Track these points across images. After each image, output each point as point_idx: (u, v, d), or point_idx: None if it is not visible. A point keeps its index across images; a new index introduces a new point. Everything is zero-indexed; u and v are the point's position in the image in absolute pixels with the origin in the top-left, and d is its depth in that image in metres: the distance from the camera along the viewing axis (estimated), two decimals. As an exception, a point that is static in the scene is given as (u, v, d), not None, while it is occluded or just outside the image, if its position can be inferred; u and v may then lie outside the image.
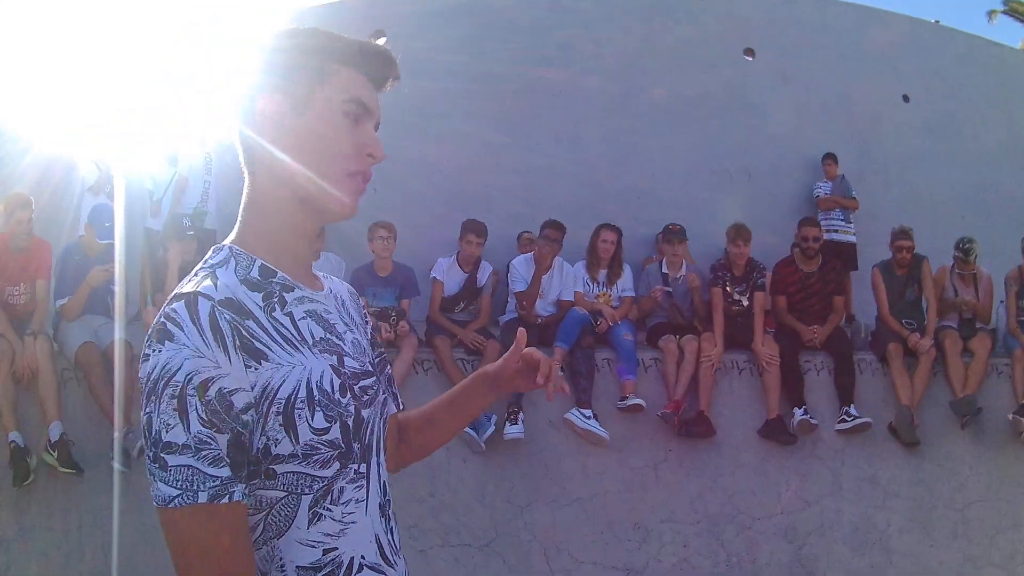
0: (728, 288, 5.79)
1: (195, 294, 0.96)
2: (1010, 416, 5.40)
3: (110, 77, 6.76)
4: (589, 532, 5.13)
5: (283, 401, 0.97)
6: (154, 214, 5.91)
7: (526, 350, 1.29)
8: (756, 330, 5.56)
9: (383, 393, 1.18)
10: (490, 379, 1.33)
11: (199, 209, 6.01)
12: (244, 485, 0.93)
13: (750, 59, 8.21)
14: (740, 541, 5.24)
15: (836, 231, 7.46)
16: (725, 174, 7.88)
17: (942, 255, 6.19)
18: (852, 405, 5.39)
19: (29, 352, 4.59)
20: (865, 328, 6.65)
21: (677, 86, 7.89)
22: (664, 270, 6.04)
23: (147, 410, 0.91)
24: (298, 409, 0.98)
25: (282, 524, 1.00)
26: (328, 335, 1.07)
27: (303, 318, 1.05)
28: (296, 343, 1.01)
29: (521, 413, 5.03)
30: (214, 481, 0.90)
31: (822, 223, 6.72)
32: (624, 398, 5.23)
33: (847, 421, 5.35)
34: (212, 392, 0.91)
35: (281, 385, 0.97)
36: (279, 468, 0.98)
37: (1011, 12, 21.07)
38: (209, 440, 0.90)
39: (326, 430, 1.00)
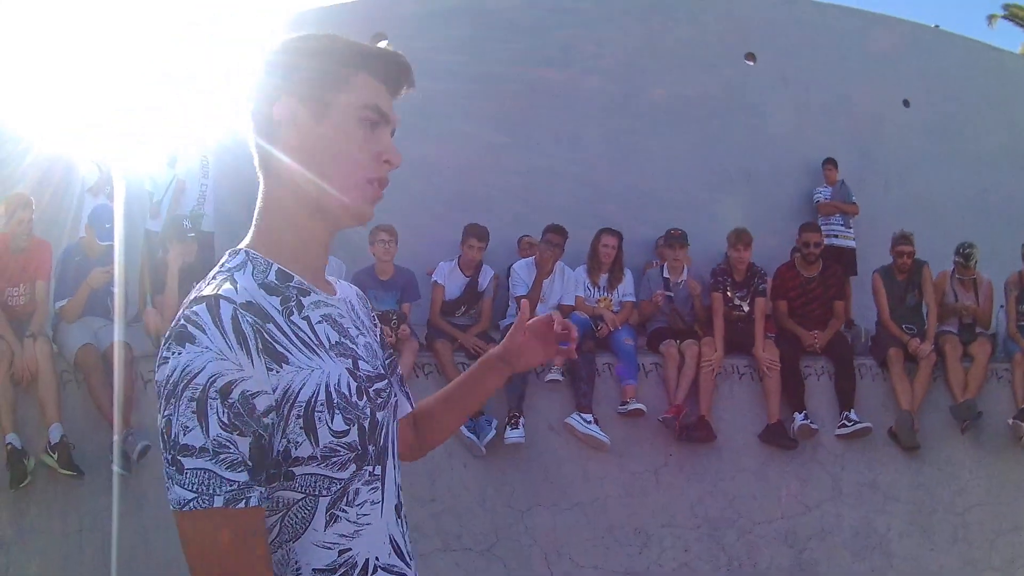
0: (729, 293, 5.79)
1: (216, 297, 0.95)
2: (1010, 420, 5.42)
3: (110, 77, 6.73)
4: (590, 536, 5.13)
5: (303, 404, 0.97)
6: (154, 215, 5.89)
7: (531, 321, 1.29)
8: (757, 335, 5.56)
9: (395, 395, 1.20)
10: (496, 360, 1.35)
11: (196, 211, 5.98)
12: (263, 489, 0.93)
13: (751, 64, 8.20)
14: (741, 545, 5.25)
15: (836, 236, 7.48)
16: (725, 175, 7.88)
17: (942, 259, 6.19)
18: (852, 410, 5.40)
19: (28, 354, 4.56)
20: (865, 333, 6.66)
21: (677, 87, 7.88)
22: (665, 275, 6.04)
23: (166, 413, 0.90)
24: (318, 412, 0.98)
25: (299, 526, 1.00)
26: (343, 339, 1.08)
27: (319, 322, 1.05)
28: (314, 347, 1.01)
29: (522, 417, 5.02)
30: (231, 485, 0.89)
31: (822, 228, 6.72)
32: (625, 403, 5.23)
33: (847, 426, 5.36)
34: (235, 395, 0.90)
35: (301, 388, 0.97)
36: (298, 470, 0.98)
37: (1011, 17, 21.11)
38: (229, 444, 0.89)
39: (345, 432, 1.00)
